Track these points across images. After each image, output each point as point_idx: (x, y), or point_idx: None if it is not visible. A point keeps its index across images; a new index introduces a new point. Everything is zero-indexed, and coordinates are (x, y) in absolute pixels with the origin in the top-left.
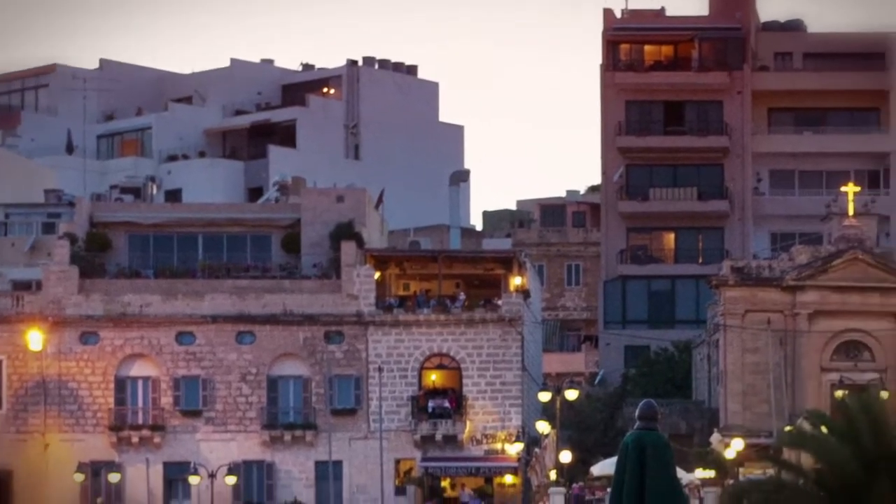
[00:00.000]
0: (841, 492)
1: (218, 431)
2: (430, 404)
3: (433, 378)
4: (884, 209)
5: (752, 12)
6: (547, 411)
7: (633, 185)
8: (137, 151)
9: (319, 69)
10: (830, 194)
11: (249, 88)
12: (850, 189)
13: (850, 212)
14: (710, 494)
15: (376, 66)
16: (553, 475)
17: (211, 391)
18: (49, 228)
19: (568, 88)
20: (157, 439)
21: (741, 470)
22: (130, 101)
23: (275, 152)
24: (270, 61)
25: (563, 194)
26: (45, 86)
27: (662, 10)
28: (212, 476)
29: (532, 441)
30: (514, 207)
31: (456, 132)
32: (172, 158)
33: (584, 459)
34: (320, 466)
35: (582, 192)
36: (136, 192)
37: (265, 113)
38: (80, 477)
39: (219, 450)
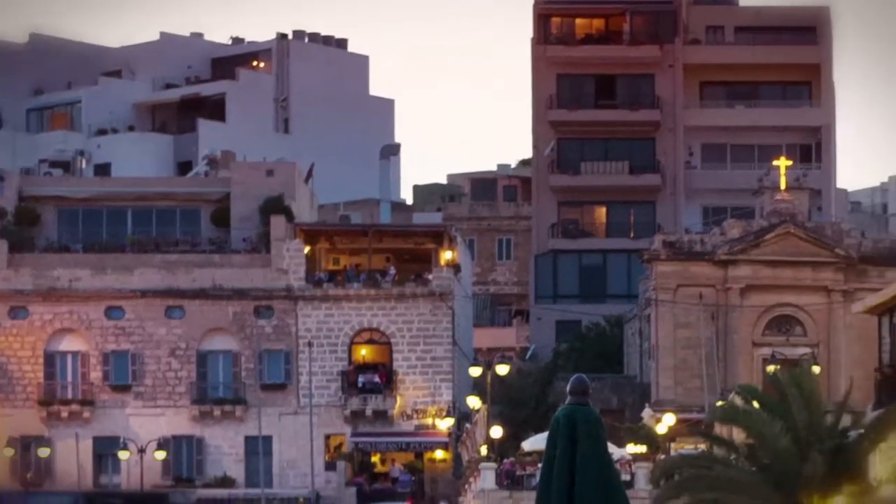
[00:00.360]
0: (773, 466)
1: (147, 406)
2: (361, 379)
3: (363, 353)
4: (816, 183)
5: None
6: (478, 386)
7: (564, 159)
8: (67, 125)
9: (249, 43)
10: (762, 168)
11: (179, 62)
12: (782, 163)
13: (782, 186)
14: (641, 470)
15: (306, 40)
16: (484, 450)
17: (140, 366)
18: None
19: (499, 62)
20: (86, 414)
21: (673, 445)
22: (60, 75)
23: (204, 126)
24: (200, 35)
25: (494, 168)
26: None
27: None
28: (141, 451)
29: (463, 416)
30: (444, 181)
31: (386, 106)
32: (102, 132)
33: (515, 435)
34: (250, 441)
35: (513, 165)
36: (66, 167)
37: (195, 87)
38: (9, 452)
39: (148, 425)
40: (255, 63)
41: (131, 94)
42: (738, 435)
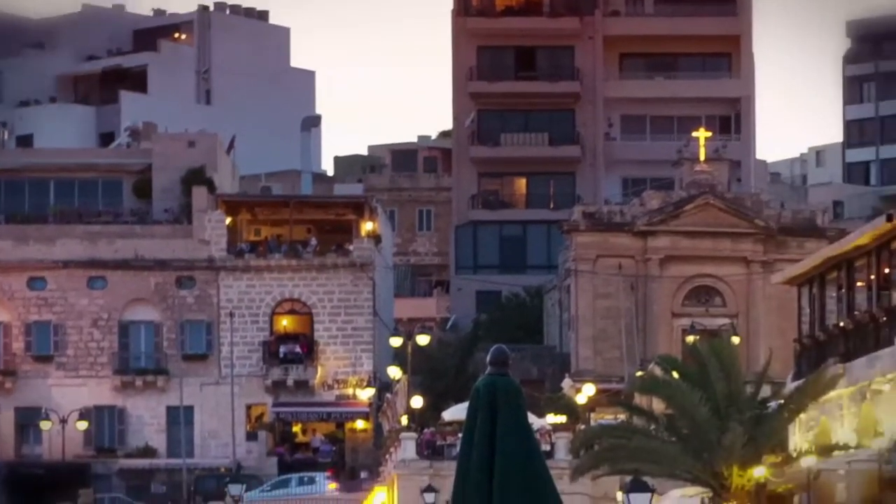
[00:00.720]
0: (692, 436)
1: (69, 377)
2: (282, 350)
3: (284, 323)
4: (735, 154)
5: None
6: (398, 357)
7: (484, 131)
8: None
9: (171, 14)
10: (682, 140)
11: (101, 34)
12: (702, 134)
13: (702, 157)
14: (561, 440)
15: (227, 12)
16: (404, 420)
17: (62, 336)
18: None
19: (419, 34)
20: (8, 384)
21: (592, 415)
22: None
23: (126, 98)
24: (121, 7)
25: (415, 140)
26: None
27: None
28: (63, 421)
29: (383, 386)
30: (365, 153)
31: (307, 77)
32: (24, 104)
33: (435, 405)
34: (171, 412)
35: (433, 137)
36: None
37: (117, 59)
38: None
39: (70, 395)
40: (176, 35)
41: (53, 65)
42: (658, 405)
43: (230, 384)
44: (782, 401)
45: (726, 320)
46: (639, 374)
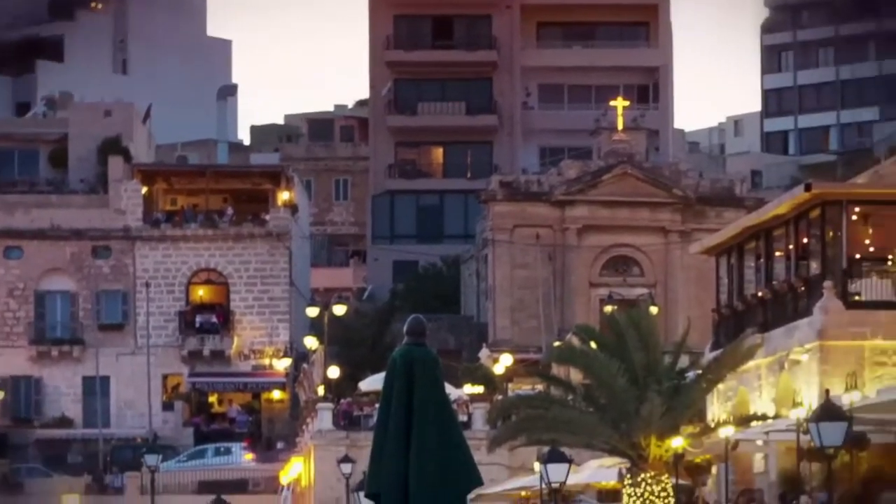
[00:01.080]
0: (610, 407)
1: None
2: (198, 319)
3: (200, 293)
4: (653, 124)
5: None
6: (315, 327)
7: (401, 100)
8: None
9: None
10: (600, 109)
11: (17, 3)
12: (619, 104)
13: (619, 126)
14: (478, 410)
15: None
16: (321, 391)
17: None
18: None
19: (336, 2)
20: None
21: (510, 385)
22: None
23: (43, 68)
24: None
25: (331, 109)
26: None
27: None
28: None
29: (300, 356)
30: (281, 122)
31: (223, 47)
32: None
33: (352, 375)
34: (87, 382)
35: (350, 106)
36: None
37: (33, 28)
38: None
39: None
40: (93, 4)
41: None
42: (576, 375)
43: (146, 354)
44: (700, 371)
45: (644, 290)
46: (556, 344)
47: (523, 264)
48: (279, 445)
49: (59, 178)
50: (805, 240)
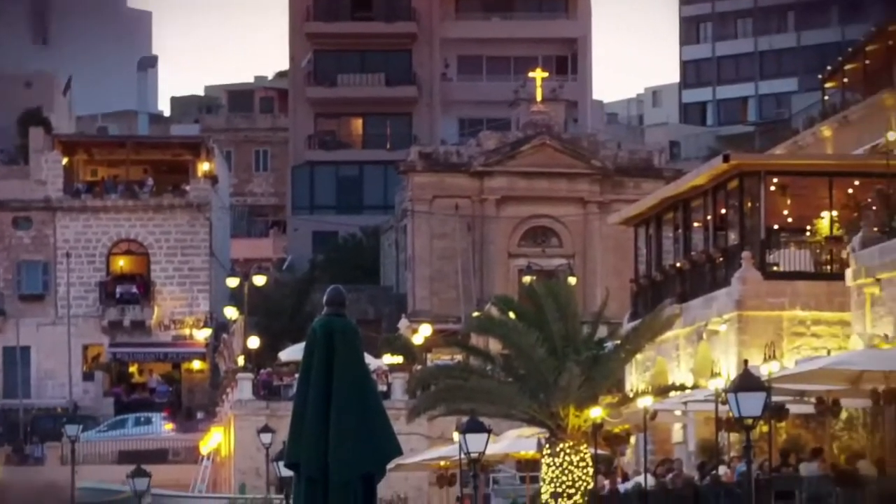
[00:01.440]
0: (529, 377)
1: None
2: (118, 290)
3: (121, 264)
4: (571, 95)
5: None
6: (235, 297)
7: (320, 72)
8: None
9: None
10: (518, 80)
11: None
12: (538, 75)
13: (538, 98)
14: (398, 380)
15: None
16: (241, 361)
17: None
18: None
19: None
20: None
21: (429, 356)
22: None
23: None
24: None
25: (251, 80)
26: None
27: None
28: None
29: (220, 327)
30: (201, 93)
31: (144, 18)
32: None
33: (272, 345)
34: (8, 352)
35: (270, 78)
36: None
37: None
38: None
39: None
40: None
41: None
42: (494, 346)
43: (67, 325)
44: (619, 341)
45: (563, 261)
46: (475, 314)
47: (442, 235)
48: (199, 415)
49: None
50: (723, 210)
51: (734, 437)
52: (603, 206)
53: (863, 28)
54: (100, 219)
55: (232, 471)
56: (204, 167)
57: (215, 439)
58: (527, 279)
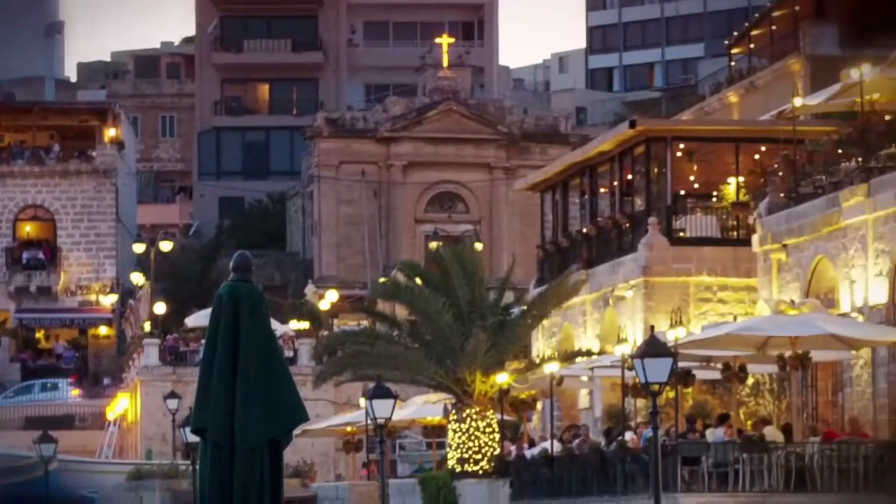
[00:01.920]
0: (435, 342)
1: None
2: (25, 256)
3: (27, 229)
4: (478, 61)
5: None
6: (141, 263)
7: (227, 37)
8: None
9: None
10: (425, 46)
11: None
12: (445, 40)
13: (445, 63)
14: (304, 346)
15: None
16: (147, 326)
17: None
18: None
19: None
20: None
21: (335, 321)
22: None
23: None
24: None
25: (158, 46)
26: None
27: None
28: None
29: (126, 292)
30: (108, 59)
31: None
32: None
33: (178, 311)
34: None
35: (176, 43)
36: None
37: None
38: None
39: None
40: None
41: None
42: (401, 311)
43: None
44: (525, 307)
45: (469, 226)
46: (382, 280)
47: (349, 201)
48: (106, 381)
49: None
50: (630, 176)
51: (640, 402)
52: (509, 172)
53: None
54: (6, 185)
55: (138, 437)
56: (110, 133)
57: (122, 405)
58: (433, 245)
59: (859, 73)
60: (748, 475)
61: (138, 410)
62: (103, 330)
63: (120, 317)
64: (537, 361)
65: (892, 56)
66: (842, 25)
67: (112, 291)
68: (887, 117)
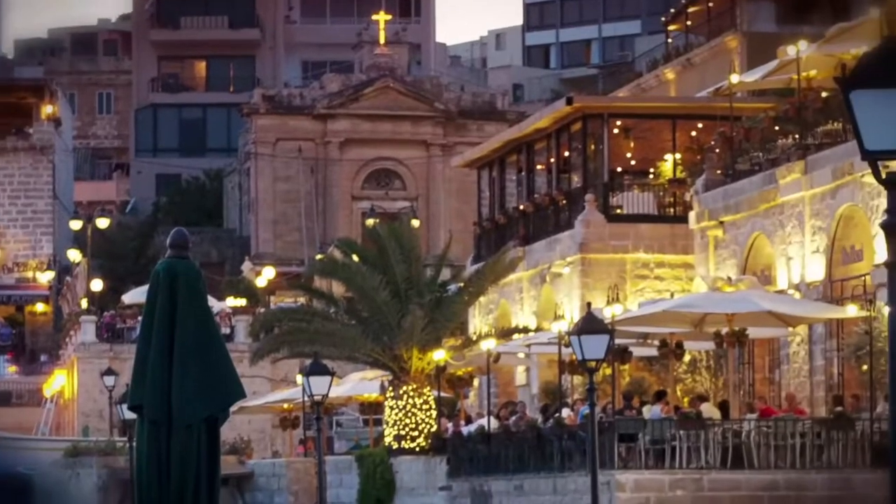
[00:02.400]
0: (372, 319)
1: None
2: None
3: None
4: (415, 38)
5: None
6: (78, 240)
7: (164, 13)
8: None
9: None
10: (362, 22)
11: None
12: (381, 17)
13: (381, 40)
14: (241, 323)
15: None
16: (84, 303)
17: None
18: None
19: None
20: None
21: (272, 298)
22: None
23: None
24: None
25: (95, 23)
26: None
27: None
28: None
29: (63, 269)
30: (45, 36)
31: None
32: None
33: (115, 288)
34: None
35: (113, 20)
36: None
37: None
38: None
39: None
40: None
41: None
42: (338, 288)
43: None
44: (462, 284)
45: (406, 203)
46: (318, 257)
47: (286, 177)
48: (42, 358)
49: None
50: (567, 153)
51: (577, 379)
52: (446, 149)
53: None
54: None
55: (75, 413)
56: (47, 110)
57: (59, 382)
58: (370, 222)
59: (796, 50)
60: (685, 452)
61: (75, 387)
62: (40, 307)
63: (57, 294)
64: (474, 338)
65: (829, 33)
66: (778, 2)
67: (49, 268)
68: (824, 94)
